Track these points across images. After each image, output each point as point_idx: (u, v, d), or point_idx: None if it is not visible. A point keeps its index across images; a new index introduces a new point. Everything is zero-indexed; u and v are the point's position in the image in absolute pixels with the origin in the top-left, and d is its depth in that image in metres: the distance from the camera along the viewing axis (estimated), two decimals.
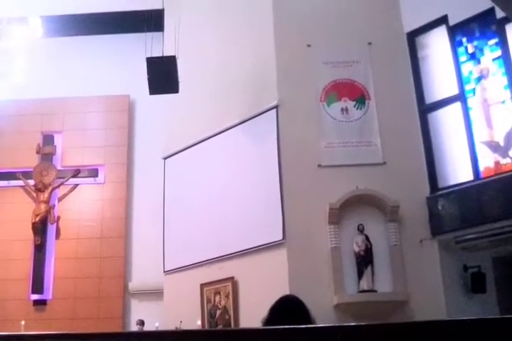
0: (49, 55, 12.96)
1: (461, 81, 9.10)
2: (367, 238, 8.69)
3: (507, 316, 1.23)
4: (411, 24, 9.74)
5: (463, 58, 9.17)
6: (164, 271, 10.67)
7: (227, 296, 9.49)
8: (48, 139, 12.96)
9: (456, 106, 9.10)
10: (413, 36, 9.78)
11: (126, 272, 12.24)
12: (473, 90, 8.99)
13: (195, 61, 10.87)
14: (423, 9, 9.65)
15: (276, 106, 9.53)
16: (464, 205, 8.54)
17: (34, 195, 12.49)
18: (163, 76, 9.05)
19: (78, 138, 12.86)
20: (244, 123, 9.93)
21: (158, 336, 1.21)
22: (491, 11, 8.67)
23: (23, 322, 9.89)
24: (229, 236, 9.56)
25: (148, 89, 9.19)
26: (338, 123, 9.32)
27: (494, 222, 8.22)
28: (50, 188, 12.40)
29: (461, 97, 9.06)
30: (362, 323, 1.24)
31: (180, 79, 9.17)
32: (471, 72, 9.06)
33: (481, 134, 8.79)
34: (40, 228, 12.12)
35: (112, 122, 13.00)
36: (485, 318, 1.25)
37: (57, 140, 13.00)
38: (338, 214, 8.78)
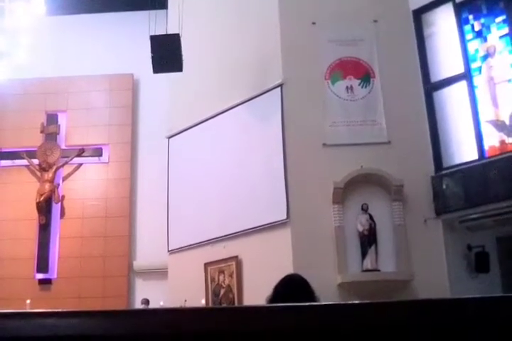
0: (52, 33, 12.88)
1: (467, 59, 9.03)
2: (371, 217, 8.68)
3: (510, 294, 1.21)
4: (417, 1, 9.63)
5: (469, 36, 9.08)
6: (168, 250, 10.71)
7: (231, 275, 9.52)
8: (52, 118, 12.95)
9: (462, 85, 9.04)
10: (419, 14, 9.67)
11: (131, 251, 12.30)
12: (480, 68, 8.92)
13: (199, 39, 10.80)
14: None
15: (280, 85, 9.48)
16: (469, 185, 8.52)
17: (38, 174, 12.51)
18: (167, 54, 8.99)
19: (82, 117, 12.84)
20: (249, 102, 9.88)
21: (164, 313, 1.20)
22: None
23: (28, 301, 9.96)
24: (233, 215, 9.58)
25: (152, 68, 9.14)
26: (343, 101, 9.27)
27: (499, 202, 8.19)
28: (54, 167, 12.41)
29: (466, 76, 8.99)
30: (366, 301, 1.23)
31: (184, 58, 9.12)
32: (477, 50, 8.98)
33: (486, 113, 8.73)
34: (44, 207, 12.16)
35: (116, 101, 12.98)
36: (488, 296, 1.23)
37: (61, 119, 12.99)
38: (343, 193, 8.77)
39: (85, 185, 12.54)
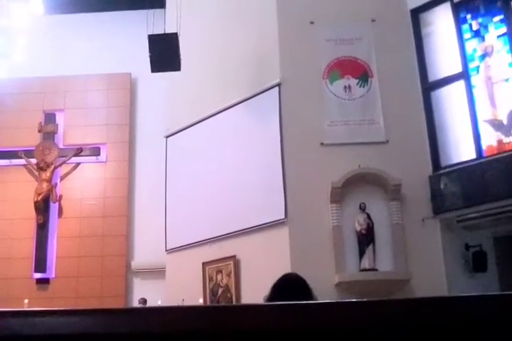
0: (50, 32, 12.87)
1: (465, 58, 9.03)
2: (369, 216, 8.68)
3: (507, 293, 1.21)
4: (415, 1, 9.63)
5: (467, 35, 9.09)
6: (166, 250, 10.70)
7: (228, 275, 9.52)
8: (50, 118, 12.93)
9: (460, 84, 9.04)
10: (417, 13, 9.67)
11: (129, 250, 12.29)
12: (477, 68, 8.92)
13: (197, 38, 10.79)
14: None
15: (278, 84, 9.47)
16: (467, 184, 8.52)
17: (36, 173, 12.49)
18: (164, 53, 8.99)
19: (80, 117, 12.83)
20: (247, 101, 9.88)
21: (162, 312, 1.20)
22: None
23: (26, 301, 9.95)
24: (231, 214, 9.57)
25: (150, 67, 9.13)
26: (341, 101, 9.27)
27: (496, 201, 8.20)
28: (52, 167, 12.40)
29: (464, 75, 9.00)
30: (364, 300, 1.23)
31: (182, 57, 9.11)
32: (475, 50, 8.99)
33: (484, 112, 8.74)
34: (42, 207, 12.14)
35: (114, 100, 12.97)
36: (489, 294, 1.23)
37: (59, 118, 12.98)
38: (340, 192, 8.77)
39: (83, 185, 12.53)
